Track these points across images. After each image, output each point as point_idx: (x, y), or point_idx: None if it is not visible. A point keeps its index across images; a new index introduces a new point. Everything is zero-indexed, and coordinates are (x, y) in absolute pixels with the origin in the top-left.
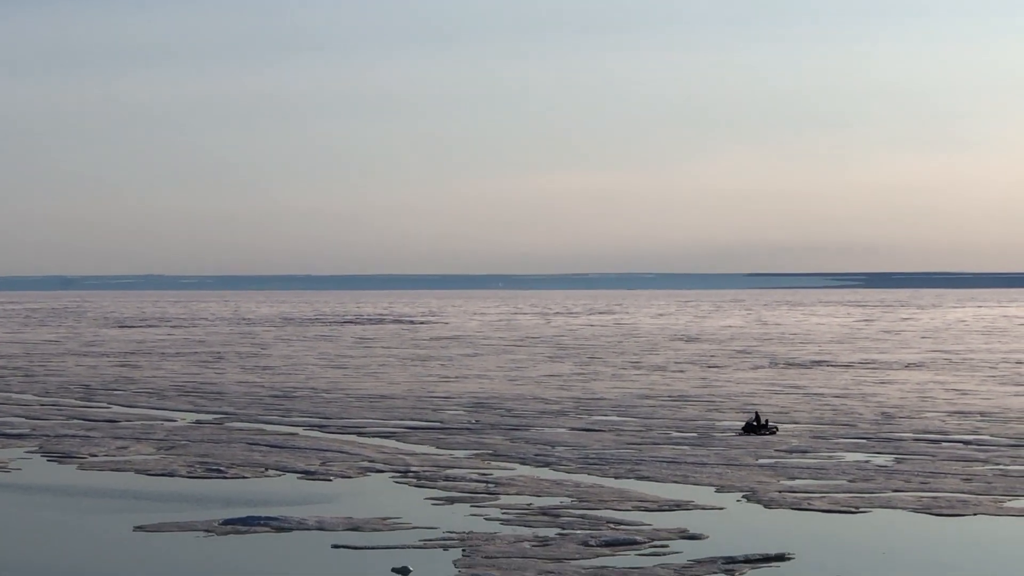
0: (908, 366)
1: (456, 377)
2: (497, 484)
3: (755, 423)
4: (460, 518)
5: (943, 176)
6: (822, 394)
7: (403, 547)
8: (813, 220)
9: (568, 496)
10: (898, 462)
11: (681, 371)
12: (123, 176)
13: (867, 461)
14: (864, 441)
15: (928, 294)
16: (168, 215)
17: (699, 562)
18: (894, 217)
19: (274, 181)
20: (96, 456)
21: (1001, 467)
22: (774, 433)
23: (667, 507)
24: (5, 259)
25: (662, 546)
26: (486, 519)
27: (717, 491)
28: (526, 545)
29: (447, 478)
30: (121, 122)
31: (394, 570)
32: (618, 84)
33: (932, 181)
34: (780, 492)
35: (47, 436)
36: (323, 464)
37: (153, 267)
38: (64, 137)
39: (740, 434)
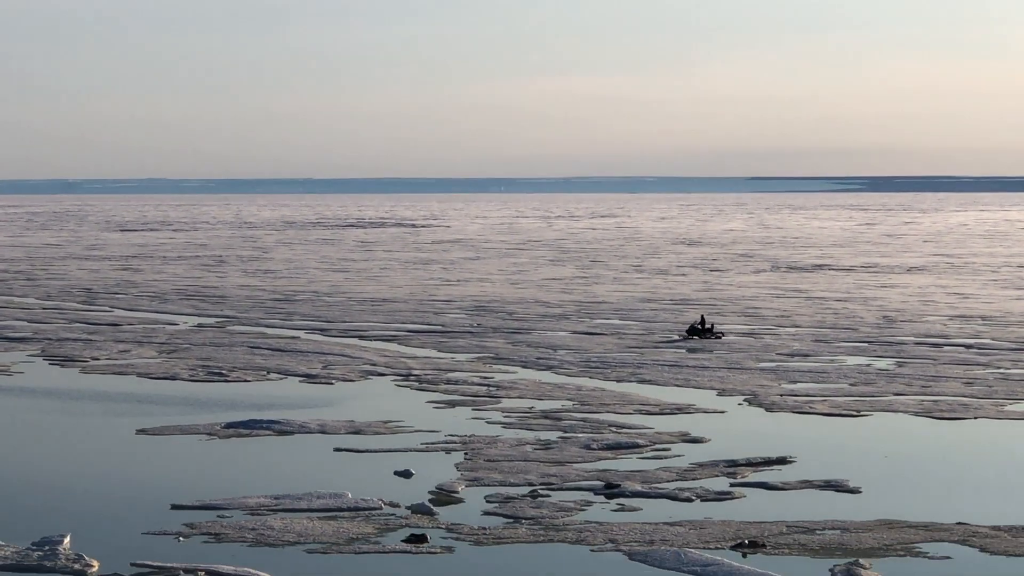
0: (910, 270)
1: (458, 280)
2: (499, 387)
3: (699, 326)
4: (462, 421)
5: (946, 79)
6: (824, 298)
7: (405, 450)
8: (815, 124)
9: (570, 399)
10: (899, 366)
11: (683, 275)
12: (125, 80)
13: (868, 365)
14: (865, 345)
15: (930, 198)
16: (170, 119)
17: (701, 465)
18: (897, 121)
19: (276, 84)
20: (98, 359)
21: (1002, 371)
22: (719, 338)
23: (669, 410)
24: (6, 162)
25: (664, 449)
26: (488, 422)
27: (719, 395)
28: (528, 448)
29: (449, 381)
30: (123, 25)
31: (396, 473)
32: None
33: (935, 85)
34: (781, 396)
35: (49, 339)
36: (325, 367)
37: (155, 171)
38: (66, 41)
39: (684, 338)
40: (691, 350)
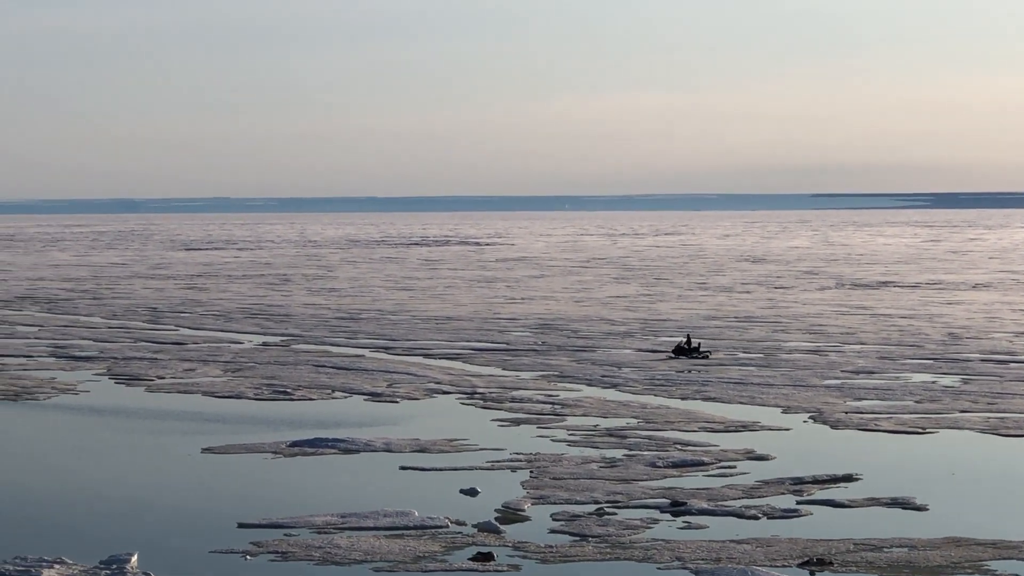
0: (975, 286)
1: (522, 299)
2: (563, 405)
3: (686, 346)
4: (527, 439)
5: (1012, 95)
6: (889, 315)
7: (470, 468)
8: (880, 140)
9: (634, 417)
10: (965, 383)
11: (747, 292)
12: (188, 98)
13: (934, 382)
14: (931, 362)
15: (996, 214)
16: (234, 137)
17: (767, 483)
18: (962, 136)
19: (340, 102)
20: (163, 378)
21: None
22: (707, 357)
23: (734, 428)
24: (72, 182)
25: (729, 467)
26: (553, 440)
27: (784, 412)
28: (593, 466)
29: (513, 399)
30: (187, 44)
31: (462, 491)
32: (682, 3)
33: (1001, 100)
34: (847, 413)
35: (115, 358)
36: (390, 386)
37: (219, 189)
38: (130, 60)
39: (670, 357)
40: (757, 367)
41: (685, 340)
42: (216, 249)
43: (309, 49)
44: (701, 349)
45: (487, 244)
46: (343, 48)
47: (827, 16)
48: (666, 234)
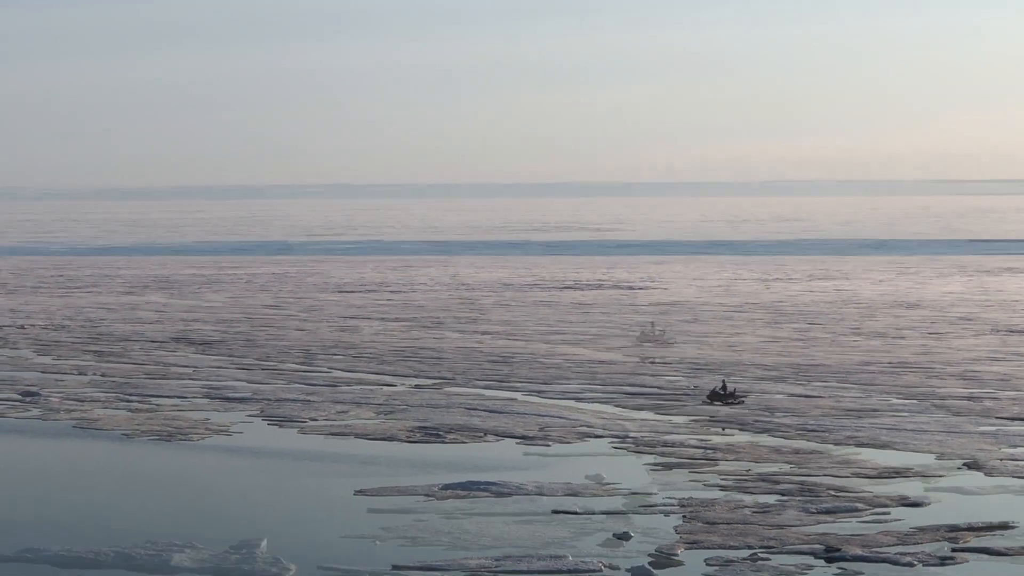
0: None
1: (675, 342)
2: (716, 450)
3: (721, 391)
4: (679, 484)
5: None
6: None
7: (623, 512)
8: None
9: (787, 463)
10: None
11: (901, 337)
12: (339, 144)
13: None
14: None
15: None
16: (389, 180)
17: (921, 530)
18: None
19: (492, 149)
20: (316, 420)
21: None
22: (742, 403)
23: (887, 474)
24: (227, 224)
25: (883, 513)
26: (705, 485)
27: (937, 458)
28: (746, 512)
29: (666, 444)
30: (333, 90)
31: (615, 536)
32: (835, 55)
33: None
34: (1002, 460)
35: (268, 400)
36: (542, 429)
37: (372, 232)
38: (273, 108)
39: (705, 403)
40: (911, 413)
41: (720, 385)
42: (369, 292)
43: (461, 95)
44: (737, 394)
45: (640, 288)
46: (498, 94)
47: (989, 63)
48: (819, 279)
